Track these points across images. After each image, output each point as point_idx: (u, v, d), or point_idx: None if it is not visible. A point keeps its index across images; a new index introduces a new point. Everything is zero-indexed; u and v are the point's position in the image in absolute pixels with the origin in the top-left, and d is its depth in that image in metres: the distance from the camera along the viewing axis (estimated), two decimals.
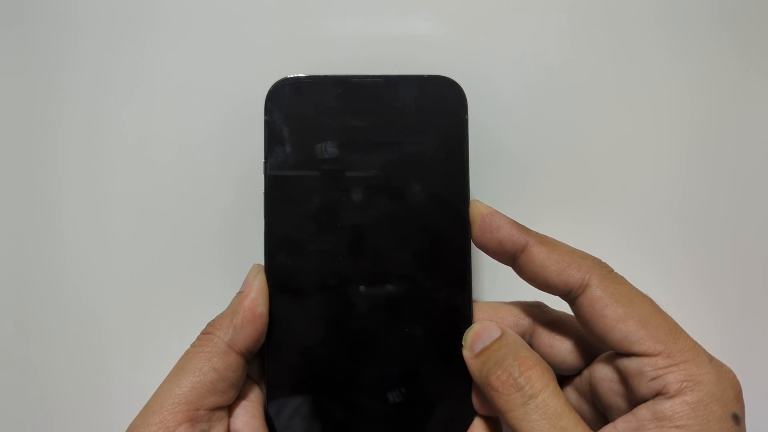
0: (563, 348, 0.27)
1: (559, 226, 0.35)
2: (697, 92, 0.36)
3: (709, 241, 0.36)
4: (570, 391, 0.27)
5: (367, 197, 0.27)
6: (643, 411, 0.22)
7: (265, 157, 0.27)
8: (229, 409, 0.26)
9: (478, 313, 0.27)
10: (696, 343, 0.23)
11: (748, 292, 0.36)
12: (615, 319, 0.23)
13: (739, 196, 0.36)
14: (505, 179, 0.35)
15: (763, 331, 0.36)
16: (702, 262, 0.36)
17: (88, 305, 0.35)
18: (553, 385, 0.23)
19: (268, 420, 0.27)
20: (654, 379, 0.22)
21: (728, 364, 0.23)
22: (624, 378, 0.23)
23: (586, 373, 0.26)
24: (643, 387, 0.22)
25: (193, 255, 0.35)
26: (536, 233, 0.26)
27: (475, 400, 0.27)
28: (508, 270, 0.27)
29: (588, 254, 0.25)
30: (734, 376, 0.23)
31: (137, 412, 0.24)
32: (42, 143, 0.35)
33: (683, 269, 0.36)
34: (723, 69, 0.36)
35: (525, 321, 0.27)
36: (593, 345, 0.26)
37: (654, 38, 0.36)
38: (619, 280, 0.24)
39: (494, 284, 0.35)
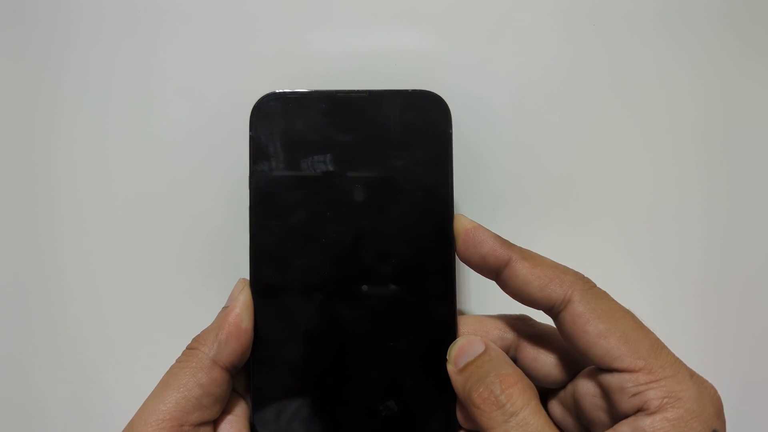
0: (548, 361, 0.27)
1: (549, 233, 0.35)
2: (698, 95, 0.35)
3: (706, 247, 0.36)
4: (555, 404, 0.27)
5: (352, 212, 0.27)
6: (624, 428, 0.22)
7: (250, 172, 0.27)
8: (215, 424, 0.26)
9: (463, 326, 0.27)
10: (677, 359, 0.23)
11: (746, 298, 0.36)
12: (596, 335, 0.23)
13: (738, 200, 0.36)
14: (496, 187, 0.35)
15: (760, 338, 0.36)
16: (698, 267, 0.36)
17: (83, 308, 0.35)
18: (535, 402, 0.23)
19: None
20: (635, 395, 0.22)
21: (722, 371, 0.23)
22: (606, 393, 0.23)
23: (570, 387, 0.26)
24: (625, 403, 0.22)
25: (188, 263, 0.35)
26: (519, 248, 0.26)
27: (459, 415, 0.27)
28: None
29: (570, 269, 0.25)
30: (715, 392, 0.23)
31: (131, 415, 0.24)
32: (39, 146, 0.36)
33: (676, 276, 0.36)
34: (725, 70, 0.36)
35: (509, 334, 0.27)
36: (577, 359, 0.26)
37: (651, 40, 0.35)
38: (601, 296, 0.24)
39: (482, 297, 0.35)
